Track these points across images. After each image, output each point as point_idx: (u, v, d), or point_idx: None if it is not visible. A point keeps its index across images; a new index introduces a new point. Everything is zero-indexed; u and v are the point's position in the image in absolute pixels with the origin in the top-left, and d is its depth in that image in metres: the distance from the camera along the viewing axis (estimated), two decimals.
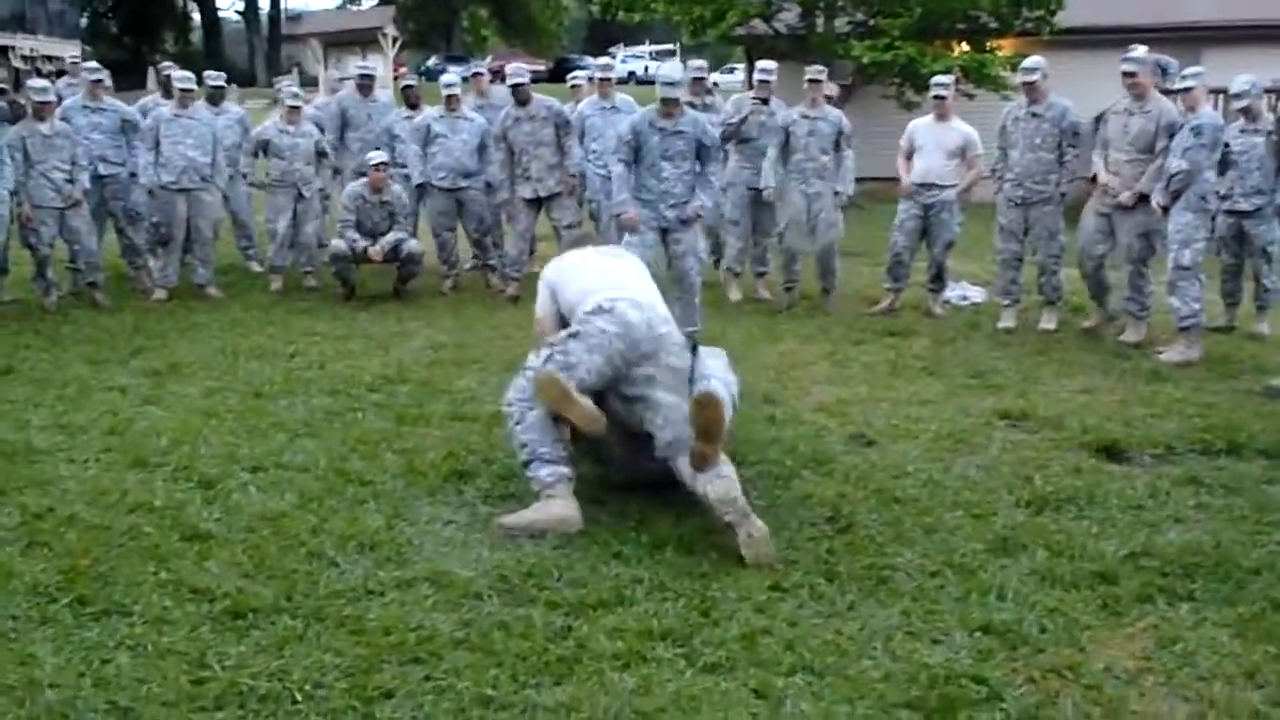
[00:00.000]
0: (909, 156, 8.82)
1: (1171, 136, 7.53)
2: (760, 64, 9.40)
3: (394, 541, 4.22)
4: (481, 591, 3.82)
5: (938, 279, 9.02)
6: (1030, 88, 8.16)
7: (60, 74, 14.73)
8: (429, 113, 9.56)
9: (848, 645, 3.52)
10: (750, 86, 10.05)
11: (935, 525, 4.53)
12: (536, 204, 9.20)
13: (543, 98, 9.30)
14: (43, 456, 5.16)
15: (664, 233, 7.70)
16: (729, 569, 4.03)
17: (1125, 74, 7.73)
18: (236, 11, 48.94)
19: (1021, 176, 8.20)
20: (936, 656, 3.45)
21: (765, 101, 8.94)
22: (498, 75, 12.01)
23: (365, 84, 10.23)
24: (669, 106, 7.53)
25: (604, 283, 4.80)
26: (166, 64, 9.15)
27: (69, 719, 3.06)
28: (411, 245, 9.02)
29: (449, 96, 9.39)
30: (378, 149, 9.37)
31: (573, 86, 10.14)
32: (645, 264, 5.57)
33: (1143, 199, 7.65)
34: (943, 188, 8.69)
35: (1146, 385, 6.80)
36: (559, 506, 4.34)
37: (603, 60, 10.46)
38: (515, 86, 9.01)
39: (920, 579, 4.02)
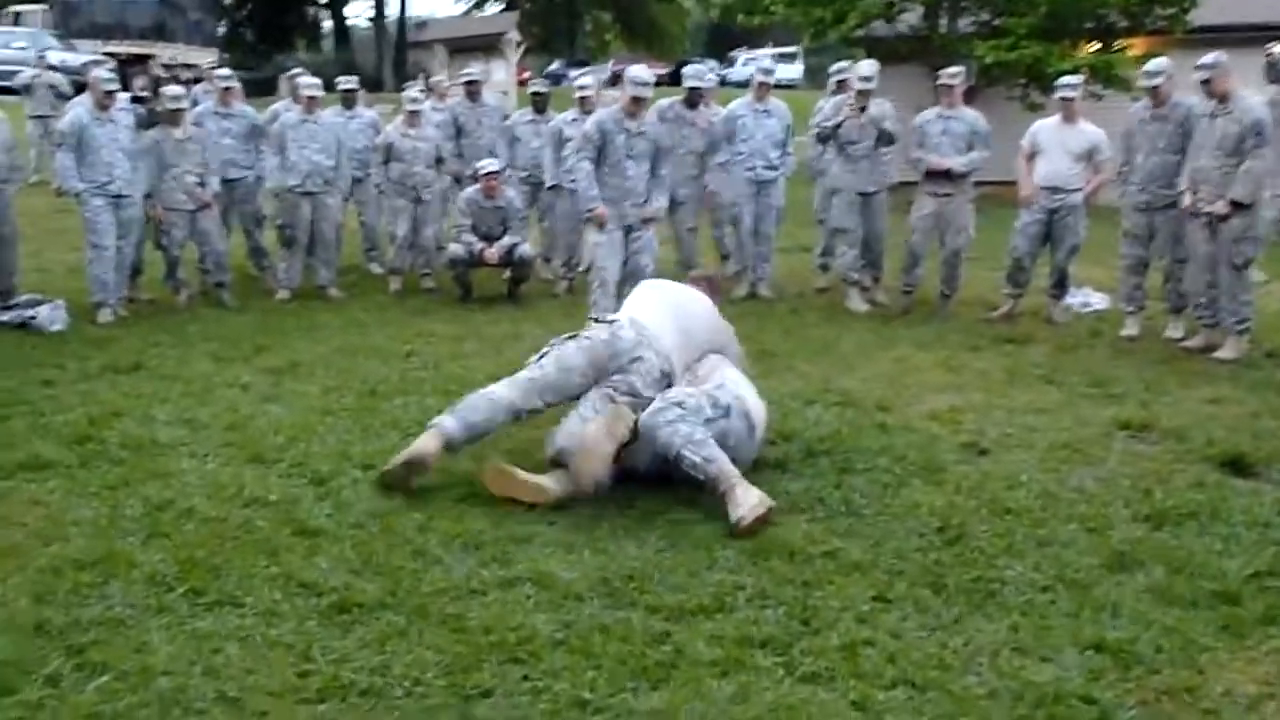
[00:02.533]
0: (1031, 159, 8.59)
1: (1259, 135, 7.21)
2: (860, 65, 9.25)
3: (498, 541, 4.26)
4: (582, 593, 3.83)
5: (1060, 285, 8.78)
6: (1154, 91, 7.89)
7: (198, 81, 15.22)
8: (562, 117, 9.66)
9: (952, 660, 3.44)
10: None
11: (1048, 538, 4.41)
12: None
13: (707, 110, 9.48)
14: (166, 450, 5.33)
15: (627, 231, 7.89)
16: (831, 578, 3.98)
17: (1201, 81, 7.41)
18: (366, 19, 50.15)
19: (1145, 181, 7.93)
20: (1045, 675, 3.36)
21: (864, 109, 8.75)
22: (616, 79, 12.03)
23: (472, 89, 10.37)
24: (637, 106, 7.71)
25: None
26: (295, 70, 9.37)
27: (179, 706, 3.15)
28: (524, 249, 9.13)
29: (582, 99, 9.44)
30: (492, 154, 9.50)
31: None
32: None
33: (1235, 205, 7.31)
34: (1068, 191, 8.44)
35: (1278, 397, 6.52)
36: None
37: (766, 64, 10.36)
38: (693, 89, 9.20)
39: (1031, 593, 3.92)
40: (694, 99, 9.24)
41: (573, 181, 9.28)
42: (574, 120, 9.47)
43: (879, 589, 3.90)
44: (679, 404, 4.74)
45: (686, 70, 9.59)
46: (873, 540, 4.35)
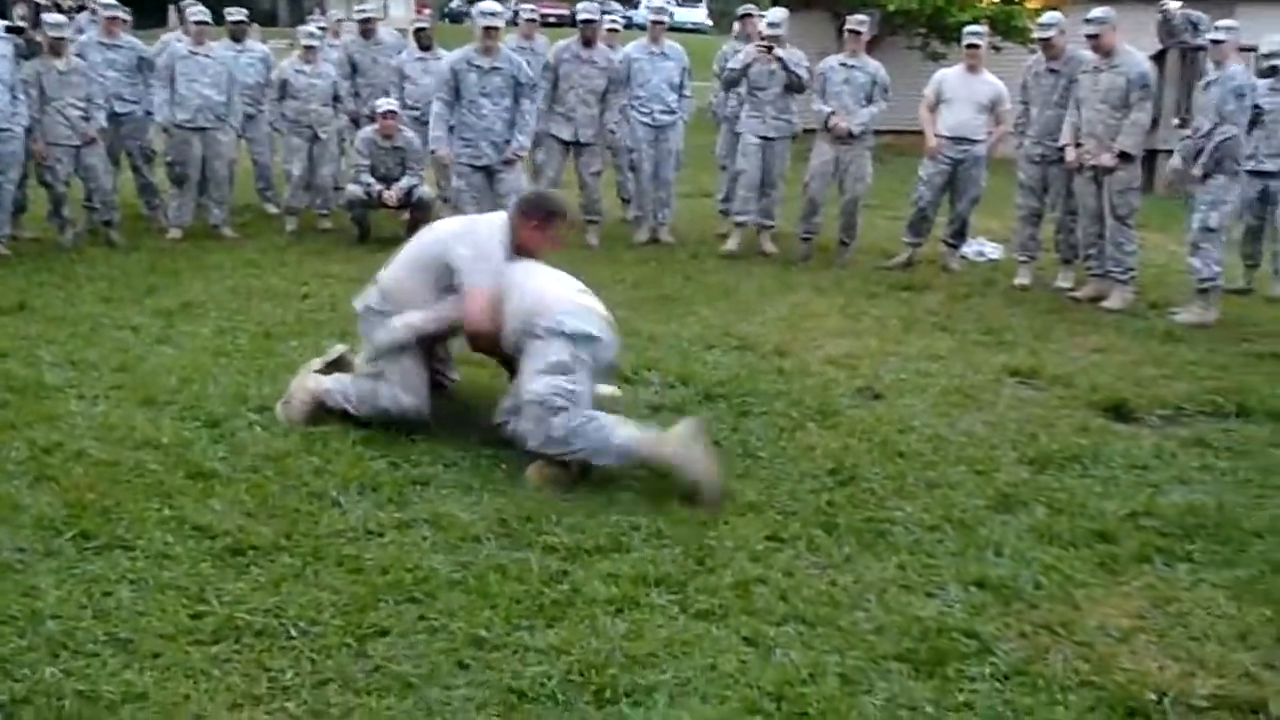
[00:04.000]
0: (934, 108, 8.70)
1: (1144, 89, 7.43)
2: (770, 12, 9.27)
3: (396, 484, 4.24)
4: (480, 534, 3.84)
5: (958, 234, 8.96)
6: (1047, 44, 8.04)
7: (80, 9, 14.65)
8: (455, 54, 9.47)
9: (841, 597, 3.53)
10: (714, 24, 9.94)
11: (937, 480, 4.54)
12: (568, 147, 9.22)
13: (607, 49, 9.36)
14: (53, 393, 5.20)
15: (488, 172, 7.89)
16: (727, 518, 4.05)
17: (1088, 36, 7.60)
18: None
19: (1040, 134, 8.11)
20: (929, 610, 3.47)
21: (770, 50, 8.75)
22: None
23: (367, 27, 10.16)
24: (490, 39, 7.73)
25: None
26: (194, 7, 9.06)
27: (69, 649, 3.09)
28: (423, 190, 9.00)
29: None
30: (386, 93, 9.34)
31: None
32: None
33: (1122, 156, 7.52)
34: (974, 142, 8.58)
35: (1160, 346, 6.77)
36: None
37: (657, 4, 10.22)
38: (586, 22, 9.14)
39: (919, 533, 4.03)
40: (588, 35, 9.14)
41: None
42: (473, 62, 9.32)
43: (773, 529, 3.98)
44: (534, 413, 4.35)
45: (579, 5, 9.45)
46: (768, 482, 4.43)
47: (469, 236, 4.78)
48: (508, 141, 7.80)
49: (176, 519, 3.89)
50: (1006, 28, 15.50)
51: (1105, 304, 7.72)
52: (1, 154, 7.92)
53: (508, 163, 7.77)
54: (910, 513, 4.19)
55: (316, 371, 5.01)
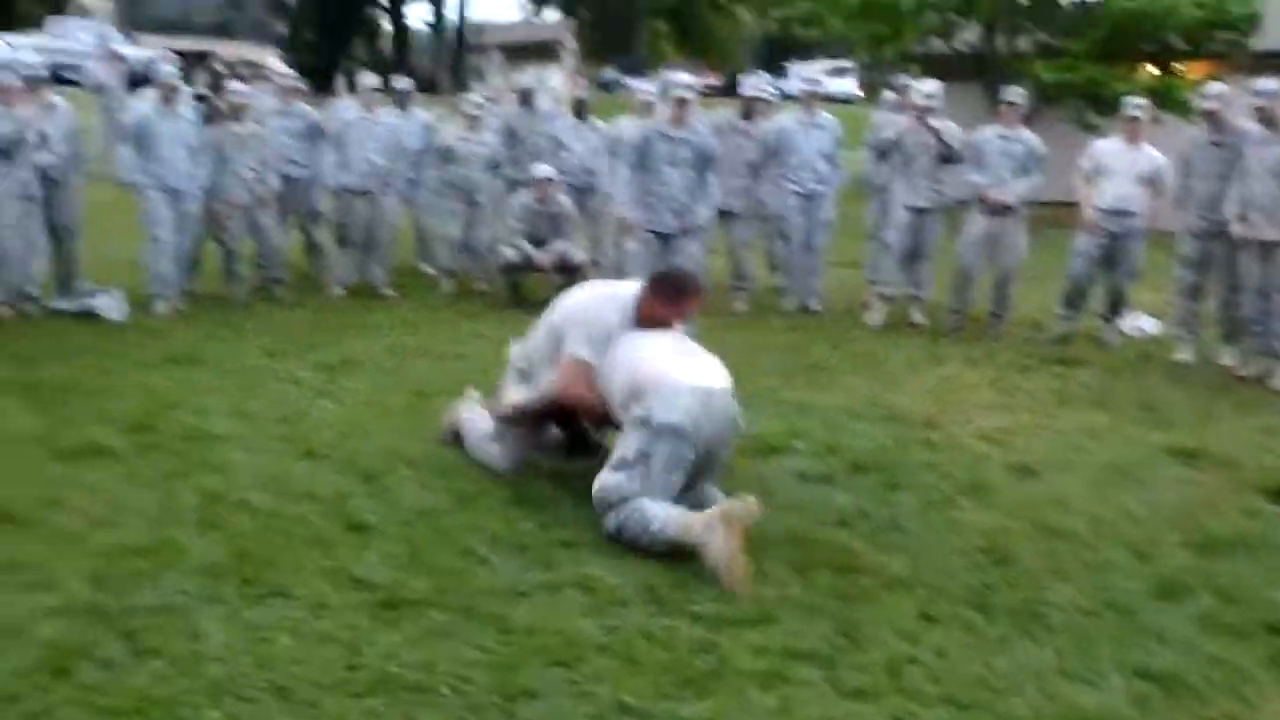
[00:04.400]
0: (1091, 180, 8.51)
1: None
2: (924, 84, 9.24)
3: (545, 545, 4.29)
4: (627, 599, 3.85)
5: (1115, 308, 8.72)
6: (1211, 116, 7.82)
7: (257, 79, 15.44)
8: (624, 123, 9.71)
9: (997, 681, 3.43)
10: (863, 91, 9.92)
11: (1096, 562, 4.39)
12: (718, 215, 9.26)
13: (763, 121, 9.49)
14: (220, 441, 5.41)
15: (666, 240, 7.85)
16: (877, 593, 3.98)
17: (1256, 109, 7.38)
18: (425, 22, 50.54)
19: (1203, 208, 7.86)
20: (1090, 699, 3.34)
21: (923, 120, 8.72)
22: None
23: (526, 96, 10.48)
24: (680, 111, 7.74)
25: None
26: (363, 71, 9.52)
27: (230, 693, 3.19)
28: (576, 255, 9.17)
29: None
30: (542, 160, 9.58)
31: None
32: None
33: None
34: (1132, 215, 8.37)
35: None
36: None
37: (810, 74, 10.37)
38: (753, 99, 9.40)
39: (1077, 618, 3.90)
40: (749, 109, 9.26)
41: None
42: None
43: (924, 606, 3.90)
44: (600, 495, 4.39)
45: (745, 81, 9.60)
46: (918, 557, 4.34)
47: (590, 303, 4.87)
48: (688, 211, 7.84)
49: (334, 570, 4.00)
50: (1166, 99, 15.13)
51: (1271, 383, 7.41)
52: (181, 213, 8.37)
53: (687, 232, 7.82)
54: (1068, 595, 4.06)
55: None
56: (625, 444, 4.42)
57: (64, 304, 8.11)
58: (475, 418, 5.27)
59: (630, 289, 4.92)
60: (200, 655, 3.38)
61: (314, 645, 3.48)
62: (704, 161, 7.86)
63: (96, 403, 5.94)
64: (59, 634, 3.47)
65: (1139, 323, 9.28)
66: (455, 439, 5.34)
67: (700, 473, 4.49)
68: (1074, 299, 8.68)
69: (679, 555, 4.14)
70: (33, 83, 8.06)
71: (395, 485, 4.88)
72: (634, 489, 4.29)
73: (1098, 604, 3.99)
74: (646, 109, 9.51)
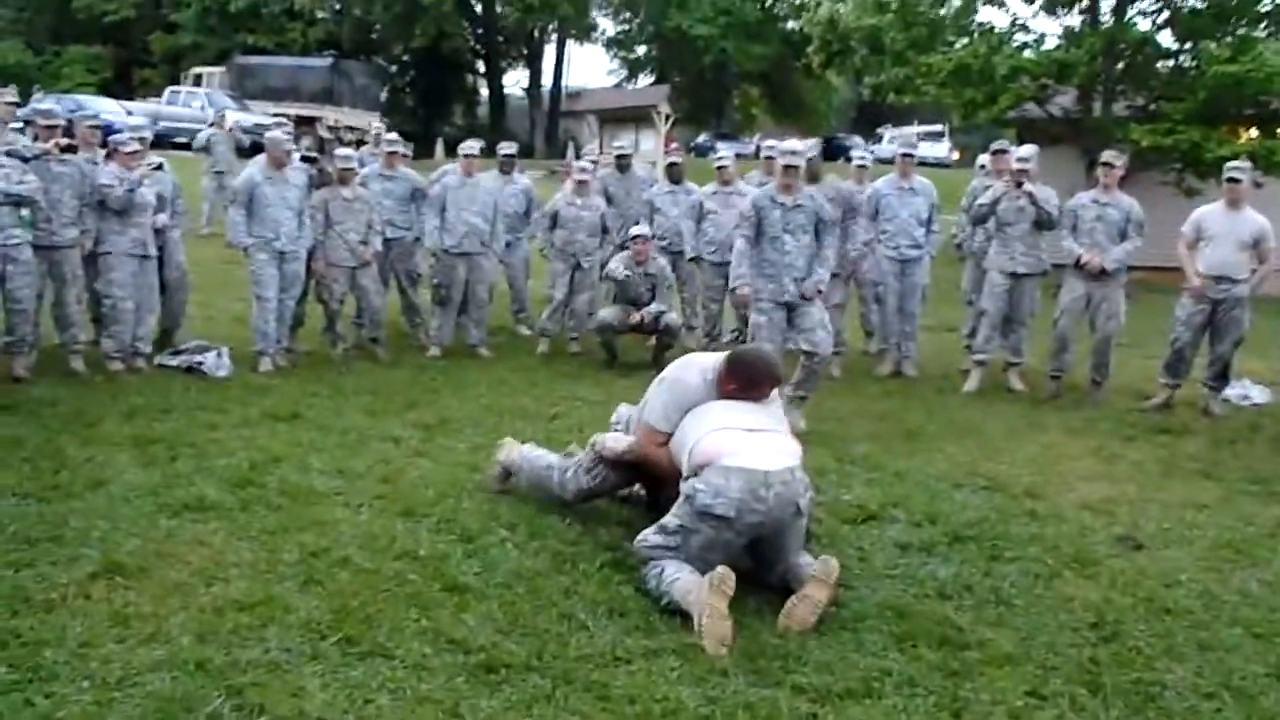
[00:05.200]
0: (1191, 246, 8.37)
1: None
2: (1021, 149, 9.17)
3: (644, 610, 4.27)
4: (728, 668, 3.81)
5: (1220, 377, 8.49)
6: None
7: (361, 143, 15.86)
8: (704, 190, 9.83)
9: None
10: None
11: (1211, 642, 4.24)
12: None
13: (839, 181, 9.47)
14: (322, 499, 5.50)
15: (789, 307, 7.58)
16: (982, 669, 3.89)
17: None
18: (522, 88, 51.56)
19: None
20: None
21: (1019, 185, 8.64)
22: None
23: (622, 161, 10.62)
24: (790, 178, 7.54)
25: None
26: (468, 142, 9.73)
27: None
28: (671, 317, 9.22)
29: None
30: (637, 222, 9.69)
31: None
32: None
33: None
34: (1235, 281, 8.19)
35: None
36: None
37: (908, 138, 10.37)
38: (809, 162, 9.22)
39: (1193, 700, 3.77)
40: (813, 172, 9.20)
41: (713, 252, 9.42)
42: (714, 194, 9.65)
43: (1032, 684, 3.80)
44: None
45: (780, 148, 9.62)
46: (1024, 632, 4.24)
47: (679, 370, 5.02)
48: (806, 277, 7.59)
49: (433, 631, 4.02)
50: (1268, 163, 14.83)
51: None
52: (286, 273, 8.60)
53: (806, 298, 7.72)
54: (1182, 676, 3.93)
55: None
56: (674, 511, 4.53)
57: (172, 360, 8.34)
58: (530, 454, 5.56)
59: (718, 358, 4.98)
60: (304, 713, 3.42)
61: (414, 707, 3.50)
62: (820, 225, 7.68)
63: (203, 458, 6.08)
64: (166, 687, 3.53)
65: (1246, 391, 9.03)
66: (505, 479, 5.62)
67: (765, 551, 4.51)
68: (1176, 366, 8.49)
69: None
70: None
71: (493, 546, 4.90)
72: (668, 556, 4.43)
73: (1215, 685, 3.86)
74: (720, 173, 9.71)
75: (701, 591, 4.08)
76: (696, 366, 4.98)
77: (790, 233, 7.55)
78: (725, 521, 4.34)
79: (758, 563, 4.55)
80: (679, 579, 4.27)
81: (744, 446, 4.46)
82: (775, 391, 4.98)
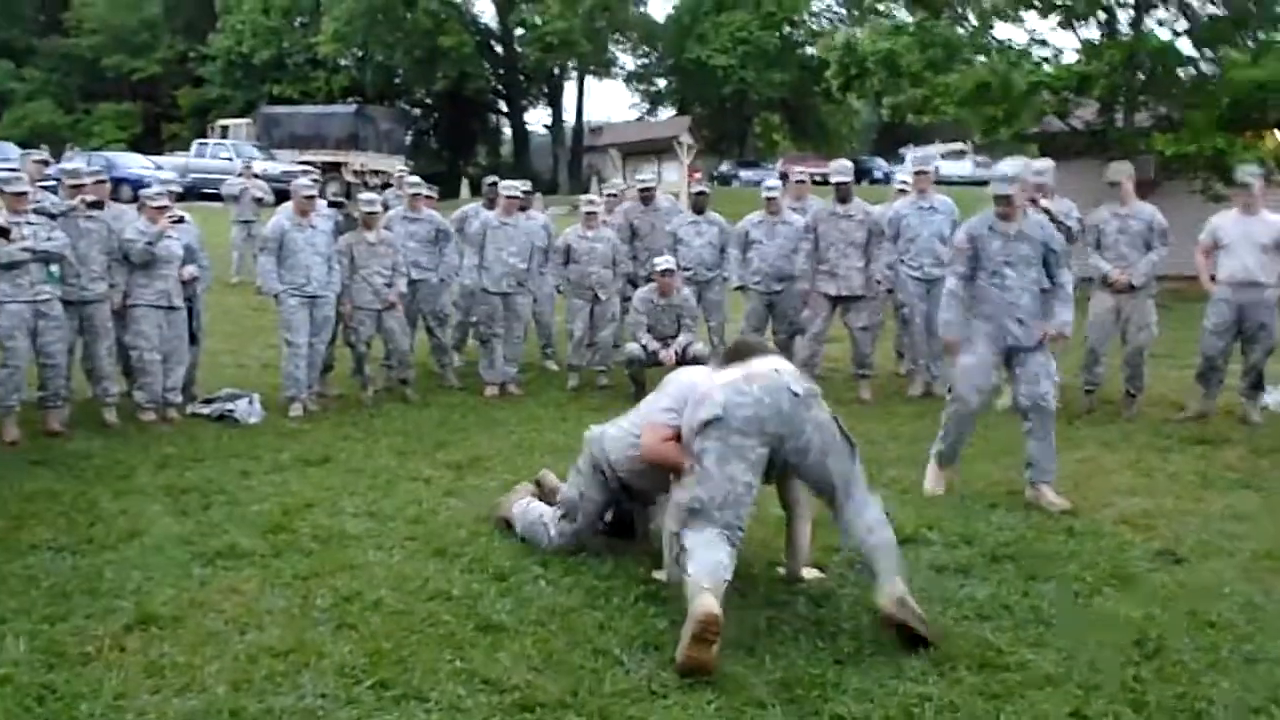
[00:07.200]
0: (1208, 253, 8.31)
1: None
2: (1036, 162, 9.09)
3: (678, 642, 4.22)
4: (764, 699, 3.78)
5: (1255, 384, 8.38)
6: None
7: (386, 186, 16.01)
8: (748, 219, 9.88)
9: None
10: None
11: (1257, 655, 4.17)
12: (834, 302, 9.29)
13: (862, 201, 9.50)
14: (353, 542, 5.50)
15: (1008, 352, 6.47)
16: (1023, 691, 3.83)
17: None
18: (544, 125, 51.95)
19: None
20: None
21: (1035, 202, 8.52)
22: (784, 178, 12.11)
23: (646, 194, 10.65)
24: (1006, 206, 6.43)
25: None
26: (494, 179, 9.81)
27: None
28: (698, 348, 9.20)
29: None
30: (661, 253, 9.70)
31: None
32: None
33: None
34: (1260, 285, 8.10)
35: None
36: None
37: (922, 156, 10.36)
38: (840, 184, 9.31)
39: (1242, 715, 3.70)
40: (842, 194, 9.25)
41: (758, 282, 9.41)
42: (760, 223, 9.65)
43: (1075, 705, 3.74)
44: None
45: (832, 166, 9.74)
46: (1065, 652, 4.18)
47: (680, 374, 5.26)
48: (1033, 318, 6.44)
49: (467, 671, 4.01)
50: None
51: None
52: (316, 318, 8.67)
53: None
54: (1229, 690, 3.86)
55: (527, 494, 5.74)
56: (681, 489, 4.57)
57: (204, 408, 8.40)
58: (526, 507, 5.57)
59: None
60: None
61: None
62: (1050, 256, 6.54)
63: (236, 505, 6.11)
64: None
65: None
66: (506, 527, 5.63)
67: (810, 471, 4.52)
68: (1208, 375, 8.39)
69: (817, 654, 4.05)
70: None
71: (526, 584, 4.89)
72: (695, 493, 4.39)
73: (1263, 700, 3.78)
74: (769, 204, 9.73)
75: (689, 622, 4.01)
76: (698, 370, 5.19)
77: (1012, 265, 6.44)
78: (719, 423, 4.38)
79: (818, 492, 4.59)
80: (696, 569, 4.22)
81: (728, 373, 4.58)
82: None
